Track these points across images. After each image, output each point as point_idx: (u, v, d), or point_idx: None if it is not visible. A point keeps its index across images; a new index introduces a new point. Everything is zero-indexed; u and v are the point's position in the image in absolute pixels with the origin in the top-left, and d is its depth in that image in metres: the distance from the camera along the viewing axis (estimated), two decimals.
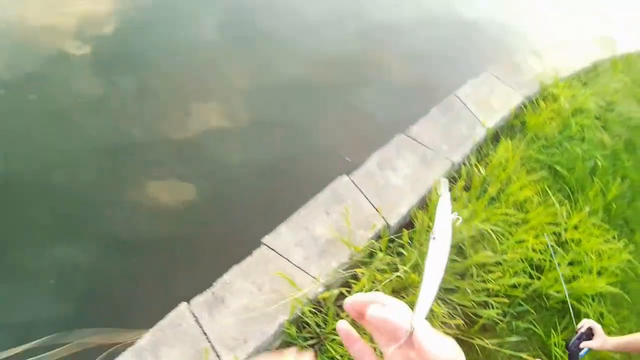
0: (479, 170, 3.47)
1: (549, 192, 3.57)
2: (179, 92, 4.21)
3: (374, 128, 4.20)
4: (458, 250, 3.09)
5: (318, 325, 2.61)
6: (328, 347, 2.54)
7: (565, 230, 3.38)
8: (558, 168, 3.82)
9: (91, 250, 3.08)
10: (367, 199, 3.25)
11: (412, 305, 0.66)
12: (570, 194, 3.70)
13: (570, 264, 3.23)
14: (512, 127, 4.02)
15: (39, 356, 2.43)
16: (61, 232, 3.19)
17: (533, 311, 3.04)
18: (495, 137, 3.90)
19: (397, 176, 3.46)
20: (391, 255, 2.98)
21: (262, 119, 4.11)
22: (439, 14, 5.75)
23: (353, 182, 3.32)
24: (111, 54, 4.39)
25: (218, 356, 2.40)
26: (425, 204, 3.36)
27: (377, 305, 0.66)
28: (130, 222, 3.30)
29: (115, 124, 3.86)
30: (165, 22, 4.90)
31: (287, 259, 2.78)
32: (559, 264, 3.01)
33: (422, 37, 5.27)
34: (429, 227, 3.13)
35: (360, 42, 5.06)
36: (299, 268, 2.78)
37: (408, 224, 3.27)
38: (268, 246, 2.80)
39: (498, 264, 3.01)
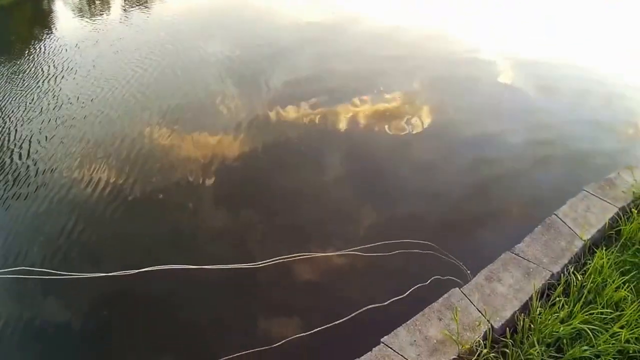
0: (576, 277, 3.95)
1: None
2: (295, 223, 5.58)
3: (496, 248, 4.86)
4: (557, 348, 3.55)
5: None
6: None
7: None
8: None
9: None
10: (475, 306, 3.94)
11: None
12: None
13: None
14: (609, 237, 4.43)
15: None
16: None
17: None
18: (592, 248, 4.33)
19: (503, 286, 4.10)
20: (496, 354, 3.57)
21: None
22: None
23: (463, 292, 4.07)
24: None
25: None
26: (527, 309, 3.91)
27: None
28: None
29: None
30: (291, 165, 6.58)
31: (402, 355, 3.57)
32: None
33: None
34: (529, 329, 3.69)
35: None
36: None
37: (512, 326, 3.83)
38: (386, 344, 3.64)
39: (596, 356, 3.38)
